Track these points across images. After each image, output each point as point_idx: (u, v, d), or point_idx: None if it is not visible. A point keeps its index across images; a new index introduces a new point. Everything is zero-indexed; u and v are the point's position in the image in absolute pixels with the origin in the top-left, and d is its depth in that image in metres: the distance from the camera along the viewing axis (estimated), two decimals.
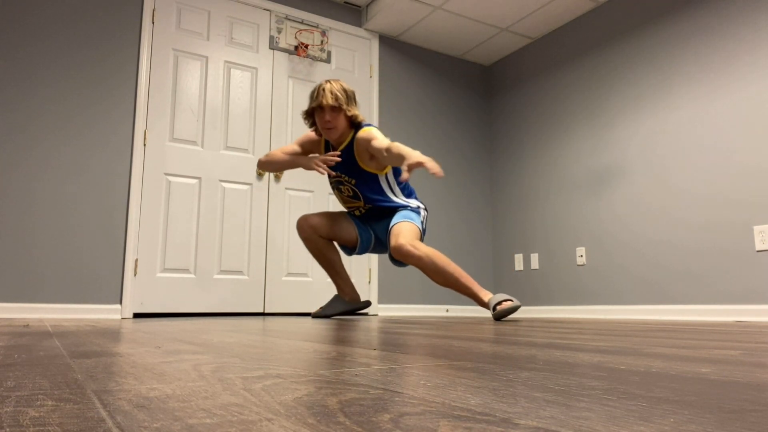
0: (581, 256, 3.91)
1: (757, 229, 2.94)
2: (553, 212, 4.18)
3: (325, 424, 0.34)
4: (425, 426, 0.34)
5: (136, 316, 3.18)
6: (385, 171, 2.64)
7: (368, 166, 2.58)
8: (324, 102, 2.50)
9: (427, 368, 0.63)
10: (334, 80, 2.57)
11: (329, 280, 3.83)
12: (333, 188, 2.78)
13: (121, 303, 3.14)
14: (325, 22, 4.11)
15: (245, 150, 3.68)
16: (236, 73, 3.74)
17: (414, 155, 2.09)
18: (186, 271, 3.36)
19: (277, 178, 3.76)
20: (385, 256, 4.10)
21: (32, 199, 3.01)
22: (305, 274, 3.77)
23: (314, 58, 4.03)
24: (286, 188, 3.79)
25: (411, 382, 0.52)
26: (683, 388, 0.49)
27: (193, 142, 3.51)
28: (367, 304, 2.86)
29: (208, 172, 3.53)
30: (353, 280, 3.94)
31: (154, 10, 3.49)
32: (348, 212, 2.82)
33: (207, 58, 3.65)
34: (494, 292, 4.62)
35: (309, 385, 0.50)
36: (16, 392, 0.47)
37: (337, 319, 2.48)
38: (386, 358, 0.74)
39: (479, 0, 3.93)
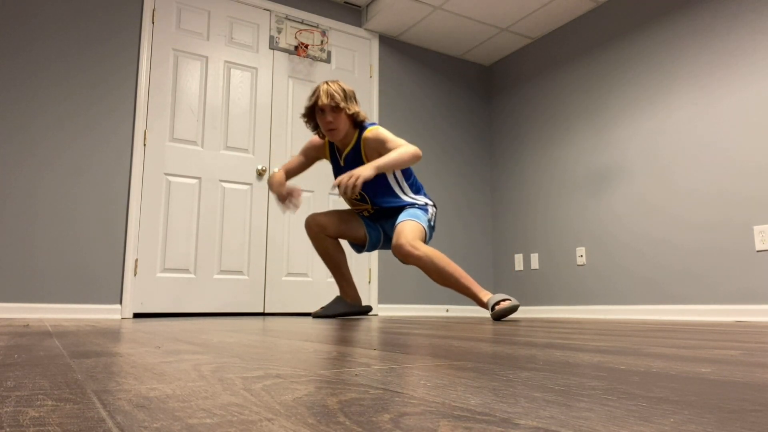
0: (581, 256, 3.91)
1: (757, 229, 2.94)
2: (553, 212, 4.18)
3: (325, 424, 0.34)
4: (425, 426, 0.34)
5: (136, 316, 3.18)
6: None
7: None
8: (321, 102, 2.49)
9: (427, 368, 0.63)
10: (332, 81, 2.55)
11: (330, 279, 3.84)
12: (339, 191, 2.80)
13: (121, 303, 3.14)
14: (325, 22, 4.11)
15: (245, 150, 3.68)
16: (236, 73, 3.74)
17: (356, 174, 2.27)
18: (186, 271, 3.36)
19: None
20: (390, 254, 4.10)
21: (32, 199, 3.01)
22: (305, 274, 3.77)
23: (314, 58, 4.03)
24: None
25: (411, 382, 0.52)
26: (683, 388, 0.49)
27: (193, 142, 3.51)
28: (369, 309, 2.86)
29: (208, 172, 3.53)
30: (353, 280, 3.93)
31: (154, 10, 3.49)
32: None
33: (207, 58, 3.65)
34: (494, 292, 4.63)
35: (309, 385, 0.50)
36: (16, 392, 0.47)
37: (337, 320, 2.48)
38: (386, 358, 0.74)
39: (479, 0, 3.93)
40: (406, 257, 2.41)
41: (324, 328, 1.62)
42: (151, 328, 1.58)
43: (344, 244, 3.59)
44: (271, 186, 2.63)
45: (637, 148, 3.61)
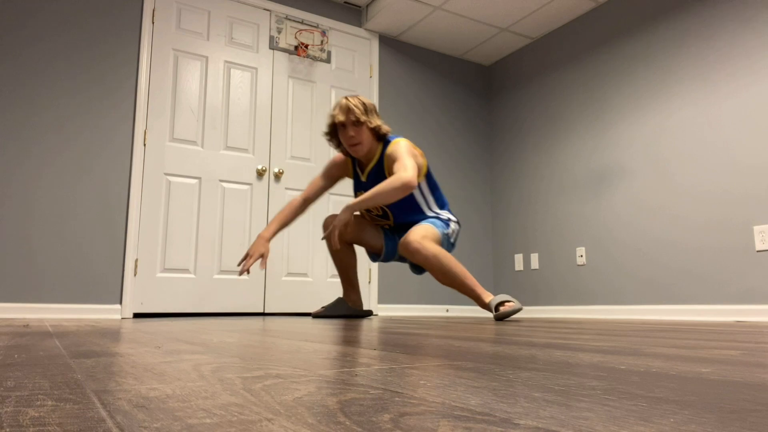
0: (581, 256, 3.91)
1: (757, 229, 2.94)
2: (554, 212, 4.18)
3: (325, 424, 0.34)
4: (425, 426, 0.34)
5: (136, 316, 3.18)
6: (418, 180, 2.52)
7: None
8: (340, 118, 2.43)
9: (427, 368, 0.63)
10: (352, 96, 2.49)
11: (330, 279, 3.84)
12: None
13: (121, 303, 3.14)
14: (325, 22, 4.11)
15: (245, 150, 3.68)
16: (236, 73, 3.74)
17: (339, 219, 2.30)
18: (186, 271, 3.36)
19: (277, 178, 3.76)
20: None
21: (32, 199, 3.01)
22: (305, 274, 3.77)
23: (314, 58, 4.03)
24: (286, 188, 3.79)
25: (411, 382, 0.52)
26: (683, 388, 0.49)
27: (193, 142, 3.51)
28: (369, 313, 2.86)
29: (208, 172, 3.53)
30: (359, 286, 3.94)
31: (154, 10, 3.49)
32: None
33: (207, 58, 3.65)
34: (494, 293, 4.63)
35: (309, 385, 0.50)
36: (16, 392, 0.47)
37: (337, 320, 2.48)
38: (386, 358, 0.74)
39: (479, 0, 3.93)
40: (413, 254, 2.35)
41: (324, 328, 1.62)
42: (151, 328, 1.58)
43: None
44: (253, 246, 2.51)
45: (638, 148, 3.61)
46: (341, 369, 0.63)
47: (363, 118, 2.42)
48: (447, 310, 4.32)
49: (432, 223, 2.50)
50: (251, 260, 2.44)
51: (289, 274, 3.71)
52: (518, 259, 4.44)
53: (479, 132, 4.80)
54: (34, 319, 2.59)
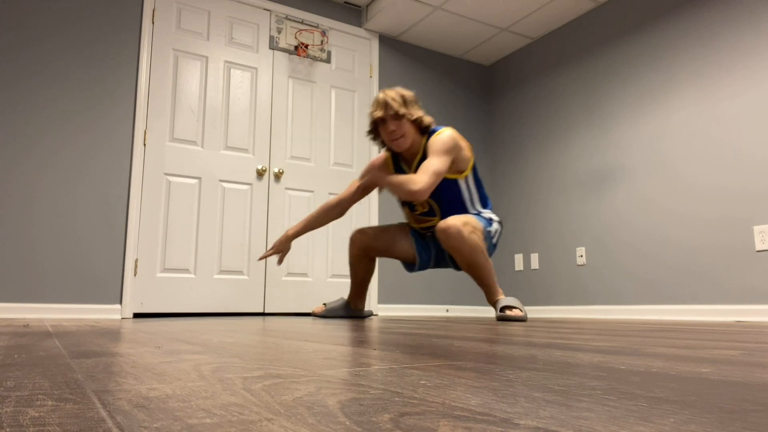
0: (581, 256, 3.91)
1: (757, 228, 2.94)
2: (554, 212, 4.18)
3: (325, 424, 0.34)
4: (425, 426, 0.34)
5: (136, 316, 3.18)
6: (464, 174, 2.41)
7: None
8: (379, 114, 2.32)
9: (427, 368, 0.63)
10: (390, 89, 2.38)
11: (330, 279, 3.84)
12: (402, 205, 2.58)
13: (121, 303, 3.14)
14: (325, 22, 4.11)
15: (245, 150, 3.68)
16: (236, 73, 3.74)
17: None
18: (186, 271, 3.36)
19: (277, 178, 3.76)
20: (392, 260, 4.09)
21: (32, 199, 3.01)
22: (305, 274, 3.77)
23: (314, 58, 4.03)
24: (286, 188, 3.79)
25: (411, 382, 0.52)
26: (683, 388, 0.49)
27: (193, 142, 3.51)
28: (370, 314, 2.86)
29: (208, 172, 3.53)
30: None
31: (154, 10, 3.49)
32: (409, 227, 2.64)
33: (207, 58, 3.65)
34: None
35: (309, 385, 0.50)
36: (16, 392, 0.47)
37: (337, 320, 2.48)
38: (386, 358, 0.74)
39: (479, 0, 3.93)
40: (450, 238, 2.22)
41: (324, 328, 1.62)
42: (151, 328, 1.58)
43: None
44: (280, 239, 2.54)
45: (638, 148, 3.61)
46: (341, 369, 0.63)
47: (402, 110, 2.30)
48: (447, 310, 4.32)
49: (475, 216, 2.41)
50: (269, 252, 2.52)
51: (289, 274, 3.71)
52: (518, 259, 4.44)
53: (479, 132, 4.80)
54: (34, 319, 2.59)
